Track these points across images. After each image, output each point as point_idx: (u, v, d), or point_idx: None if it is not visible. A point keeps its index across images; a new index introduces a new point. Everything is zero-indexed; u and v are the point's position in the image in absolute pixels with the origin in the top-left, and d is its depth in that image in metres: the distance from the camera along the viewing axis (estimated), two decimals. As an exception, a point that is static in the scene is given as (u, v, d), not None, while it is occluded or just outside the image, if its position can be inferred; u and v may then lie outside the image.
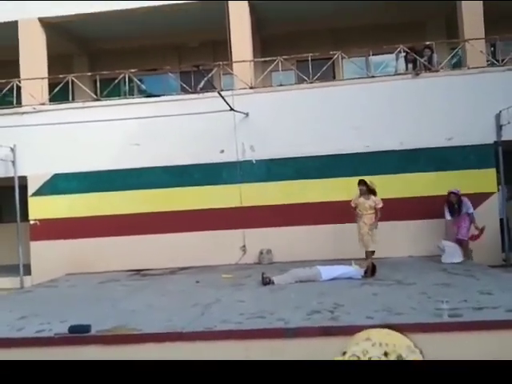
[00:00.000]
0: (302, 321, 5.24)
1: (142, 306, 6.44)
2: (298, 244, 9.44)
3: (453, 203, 8.89)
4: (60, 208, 10.21)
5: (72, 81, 10.61)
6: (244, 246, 9.57)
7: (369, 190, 8.22)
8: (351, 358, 0.88)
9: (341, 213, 9.54)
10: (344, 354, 0.90)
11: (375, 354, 0.88)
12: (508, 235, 9.28)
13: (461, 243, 8.82)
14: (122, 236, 9.97)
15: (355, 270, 7.62)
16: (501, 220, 9.36)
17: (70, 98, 10.64)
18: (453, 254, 8.75)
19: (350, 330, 4.39)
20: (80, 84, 10.63)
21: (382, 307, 5.62)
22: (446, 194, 8.93)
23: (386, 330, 0.97)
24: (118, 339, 5.07)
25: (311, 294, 6.57)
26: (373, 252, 8.42)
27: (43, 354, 5.02)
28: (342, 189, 9.66)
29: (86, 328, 5.16)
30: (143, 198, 10.06)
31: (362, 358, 0.87)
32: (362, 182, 8.25)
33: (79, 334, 5.11)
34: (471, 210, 8.89)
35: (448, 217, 8.97)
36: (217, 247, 9.60)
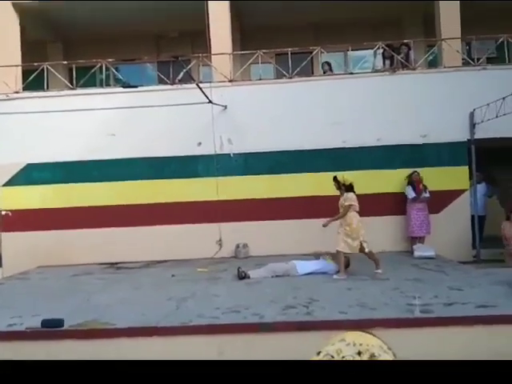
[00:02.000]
0: (278, 315, 5.28)
1: (117, 300, 6.38)
2: (275, 238, 9.48)
3: (415, 183, 9.20)
4: (33, 199, 10.01)
5: (47, 69, 10.37)
6: (220, 240, 9.56)
7: (345, 187, 7.67)
8: (325, 358, 0.89)
9: (317, 208, 9.62)
10: (319, 353, 0.91)
11: (349, 354, 0.89)
12: (479, 232, 9.49)
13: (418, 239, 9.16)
14: (97, 228, 9.84)
15: (330, 265, 7.70)
16: (473, 217, 9.56)
17: (45, 87, 10.41)
18: (424, 248, 8.95)
19: (324, 325, 4.47)
20: (55, 72, 10.40)
21: (355, 302, 5.70)
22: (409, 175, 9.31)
23: (360, 332, 0.98)
24: (91, 334, 5.03)
25: (286, 288, 6.63)
26: (345, 253, 7.50)
27: (15, 349, 4.95)
28: (318, 184, 9.73)
29: (58, 322, 5.10)
30: (118, 190, 9.94)
31: (336, 358, 0.89)
32: (334, 179, 7.87)
33: (52, 329, 5.04)
34: (427, 194, 9.24)
35: (412, 194, 9.21)
36: (193, 241, 9.56)
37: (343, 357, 0.88)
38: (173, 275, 8.07)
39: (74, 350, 4.93)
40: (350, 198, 7.39)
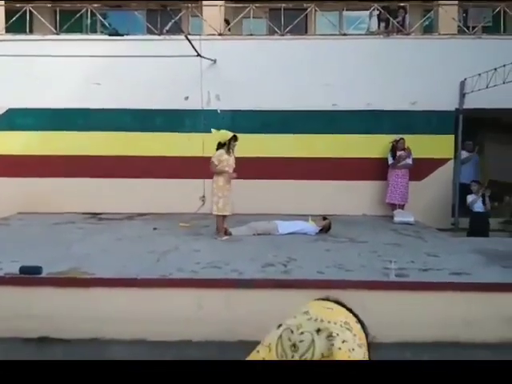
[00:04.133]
0: (256, 273, 5.36)
1: (97, 250, 6.40)
2: (259, 197, 9.49)
3: (396, 149, 9.29)
4: (14, 144, 9.82)
5: (30, 11, 9.97)
6: (204, 197, 9.53)
7: (217, 145, 7.19)
8: (284, 332, 0.85)
9: (303, 169, 9.65)
10: (279, 327, 0.86)
11: (307, 330, 0.83)
12: (458, 200, 9.58)
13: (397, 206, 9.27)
14: (80, 177, 9.73)
15: (311, 227, 7.79)
16: (456, 185, 9.62)
17: (28, 30, 10.03)
18: (404, 213, 9.09)
19: (301, 284, 4.54)
20: (38, 16, 10.01)
21: (333, 263, 5.81)
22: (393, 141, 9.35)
23: (330, 303, 0.91)
24: (69, 282, 5.06)
25: (267, 247, 6.70)
26: (223, 217, 7.30)
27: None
28: (306, 146, 9.72)
29: (37, 270, 5.11)
30: (102, 140, 9.78)
31: (295, 333, 0.84)
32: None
33: (30, 275, 5.05)
34: (410, 161, 9.31)
35: (390, 160, 9.35)
36: (176, 195, 9.53)
37: (301, 332, 0.83)
38: (155, 228, 8.09)
39: (52, 297, 4.96)
40: (214, 156, 7.13)
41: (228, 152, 7.17)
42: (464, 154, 9.82)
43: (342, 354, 0.81)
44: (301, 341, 0.83)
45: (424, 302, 4.95)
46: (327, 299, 0.93)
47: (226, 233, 7.40)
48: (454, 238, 8.16)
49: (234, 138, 7.20)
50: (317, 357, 0.81)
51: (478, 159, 10.29)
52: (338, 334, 0.83)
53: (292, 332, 0.84)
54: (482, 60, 8.73)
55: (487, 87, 8.36)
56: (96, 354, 4.43)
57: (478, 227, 8.60)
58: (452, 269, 5.57)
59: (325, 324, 0.84)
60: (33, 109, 9.72)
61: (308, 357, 0.82)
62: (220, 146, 7.19)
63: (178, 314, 4.87)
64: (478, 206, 8.69)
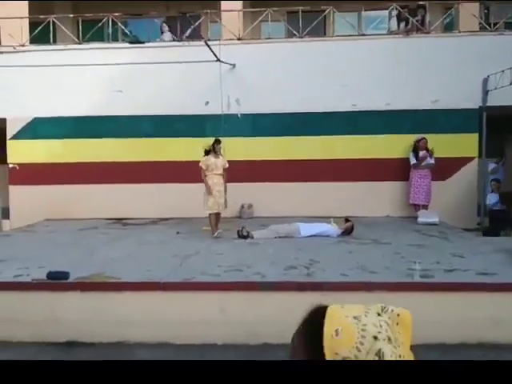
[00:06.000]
0: (279, 275, 5.35)
1: (122, 255, 6.49)
2: (279, 200, 9.51)
3: (418, 149, 9.16)
4: (39, 152, 10.05)
5: (53, 22, 10.20)
6: (225, 200, 9.58)
7: (204, 151, 7.86)
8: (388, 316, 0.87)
9: (323, 171, 9.62)
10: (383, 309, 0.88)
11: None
12: (484, 200, 9.44)
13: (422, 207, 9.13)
14: (103, 184, 9.91)
15: (333, 229, 7.74)
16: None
17: (51, 40, 10.26)
18: (428, 214, 8.97)
19: (324, 287, 4.51)
20: (61, 26, 10.23)
21: (356, 265, 5.76)
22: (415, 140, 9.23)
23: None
24: (96, 286, 5.14)
25: (289, 249, 6.69)
26: (215, 215, 7.83)
27: (21, 298, 5.08)
28: (327, 147, 9.70)
29: (64, 275, 5.20)
30: (125, 147, 9.94)
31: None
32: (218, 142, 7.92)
33: (57, 281, 5.15)
34: (432, 161, 9.18)
35: (413, 161, 9.23)
36: (198, 199, 9.58)
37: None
38: (178, 232, 8.17)
39: (78, 302, 5.05)
40: (201, 161, 7.81)
41: (215, 155, 7.81)
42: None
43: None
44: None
45: (449, 303, 4.87)
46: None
47: (216, 228, 7.81)
48: (480, 237, 8.01)
49: (217, 142, 7.88)
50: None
51: (503, 170, 10.06)
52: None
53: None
54: (505, 56, 8.57)
55: (511, 84, 8.20)
56: (121, 357, 4.49)
57: (497, 225, 8.55)
58: (478, 269, 5.48)
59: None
60: (57, 117, 9.95)
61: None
62: (206, 152, 7.86)
63: (201, 317, 4.91)
64: (496, 205, 8.67)
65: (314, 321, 0.88)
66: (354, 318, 0.86)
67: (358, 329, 0.85)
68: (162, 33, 10.73)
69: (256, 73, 9.68)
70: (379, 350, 0.83)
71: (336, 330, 0.85)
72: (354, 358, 0.83)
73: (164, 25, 10.71)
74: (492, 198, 8.95)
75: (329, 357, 0.83)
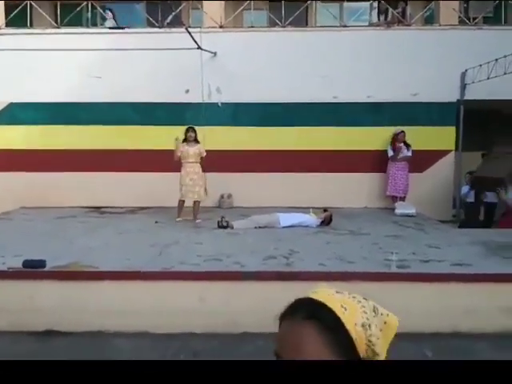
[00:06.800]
0: (258, 265, 5.39)
1: (100, 244, 6.44)
2: (259, 190, 9.53)
3: (396, 142, 9.28)
4: (16, 139, 9.84)
5: (30, 5, 9.94)
6: (205, 189, 9.55)
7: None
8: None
9: (304, 162, 9.66)
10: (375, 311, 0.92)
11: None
12: (459, 192, 9.62)
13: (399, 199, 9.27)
14: (81, 172, 9.76)
15: (312, 219, 7.81)
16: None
17: (28, 24, 10.01)
18: (405, 205, 9.11)
19: (303, 276, 4.57)
20: (39, 9, 9.99)
21: (334, 255, 5.83)
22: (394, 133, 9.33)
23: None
24: (74, 275, 5.09)
25: (268, 239, 6.73)
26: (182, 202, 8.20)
27: (-3, 287, 5.01)
28: (307, 138, 9.72)
29: (40, 263, 5.14)
30: (103, 134, 9.79)
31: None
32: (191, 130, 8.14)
33: (34, 269, 5.08)
34: (409, 153, 9.31)
35: (390, 153, 9.35)
36: (177, 189, 9.54)
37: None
38: (156, 222, 8.13)
39: (56, 291, 5.00)
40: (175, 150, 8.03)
41: (188, 143, 8.01)
42: (464, 189, 9.47)
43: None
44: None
45: (425, 293, 4.98)
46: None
47: (179, 216, 8.15)
48: (455, 229, 8.18)
49: (188, 130, 8.09)
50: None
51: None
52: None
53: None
54: (483, 51, 8.70)
55: (488, 78, 8.34)
56: (100, 346, 4.48)
57: (470, 218, 8.79)
58: (453, 260, 5.60)
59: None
60: (34, 103, 9.73)
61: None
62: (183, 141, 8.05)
63: (180, 307, 4.91)
64: (471, 197, 8.90)
65: (315, 310, 0.90)
66: (338, 292, 0.93)
67: (350, 297, 0.92)
68: (105, 20, 10.55)
69: (237, 61, 9.62)
70: (374, 306, 0.92)
71: (342, 306, 0.89)
72: (367, 322, 0.88)
73: (107, 12, 10.54)
74: (465, 189, 9.21)
75: (352, 330, 0.87)
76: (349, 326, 0.87)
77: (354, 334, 0.86)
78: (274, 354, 0.90)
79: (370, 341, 0.87)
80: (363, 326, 0.87)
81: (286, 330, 0.90)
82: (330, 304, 0.89)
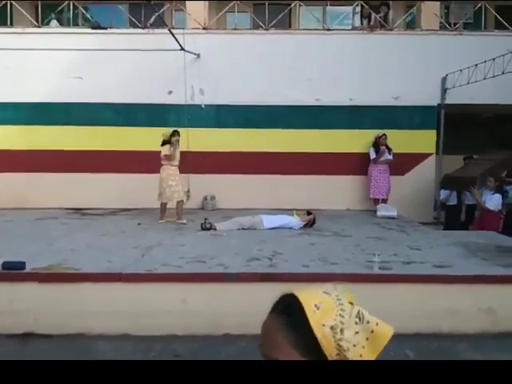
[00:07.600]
0: (242, 267, 5.37)
1: (82, 246, 6.35)
2: (243, 192, 9.52)
3: (379, 145, 9.35)
4: (-6, 139, 9.68)
5: (11, 4, 9.79)
6: (188, 191, 9.51)
7: (162, 142, 8.14)
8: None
9: (287, 164, 9.69)
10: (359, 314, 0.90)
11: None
12: (438, 195, 9.73)
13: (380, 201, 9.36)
14: (61, 172, 9.64)
15: (296, 221, 7.83)
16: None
17: (8, 23, 9.85)
18: (387, 207, 9.20)
19: (286, 277, 4.56)
20: (19, 8, 9.84)
21: (317, 257, 5.84)
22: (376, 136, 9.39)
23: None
24: (54, 277, 5.01)
25: (252, 241, 6.71)
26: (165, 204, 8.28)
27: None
28: (289, 140, 9.76)
29: (20, 265, 5.04)
30: (84, 135, 9.68)
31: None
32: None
33: (13, 271, 4.99)
34: (390, 157, 9.40)
35: (373, 156, 9.41)
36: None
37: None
38: (139, 223, 8.05)
39: (36, 293, 4.91)
40: (162, 152, 8.05)
41: (171, 145, 8.00)
42: (444, 193, 9.42)
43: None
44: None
45: (406, 294, 5.01)
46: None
47: (162, 218, 8.21)
48: (436, 231, 8.27)
49: (174, 134, 8.05)
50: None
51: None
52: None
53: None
54: (464, 56, 8.86)
55: (468, 83, 8.48)
56: (81, 349, 4.40)
57: (453, 220, 8.91)
58: (434, 261, 5.65)
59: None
60: (14, 103, 9.59)
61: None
62: (164, 142, 8.05)
63: (163, 309, 4.87)
64: (453, 200, 9.04)
65: (290, 305, 0.91)
66: (325, 293, 0.92)
67: (334, 299, 0.90)
68: (50, 21, 10.50)
69: (221, 63, 9.61)
70: (359, 312, 0.89)
71: (315, 305, 0.88)
72: (340, 325, 0.86)
73: (53, 14, 10.51)
74: (444, 193, 9.32)
75: (317, 330, 0.86)
76: (315, 325, 0.86)
77: (319, 334, 0.86)
78: (258, 345, 0.92)
79: (339, 345, 0.85)
80: (332, 328, 0.86)
81: (265, 322, 0.93)
82: (303, 302, 0.89)
